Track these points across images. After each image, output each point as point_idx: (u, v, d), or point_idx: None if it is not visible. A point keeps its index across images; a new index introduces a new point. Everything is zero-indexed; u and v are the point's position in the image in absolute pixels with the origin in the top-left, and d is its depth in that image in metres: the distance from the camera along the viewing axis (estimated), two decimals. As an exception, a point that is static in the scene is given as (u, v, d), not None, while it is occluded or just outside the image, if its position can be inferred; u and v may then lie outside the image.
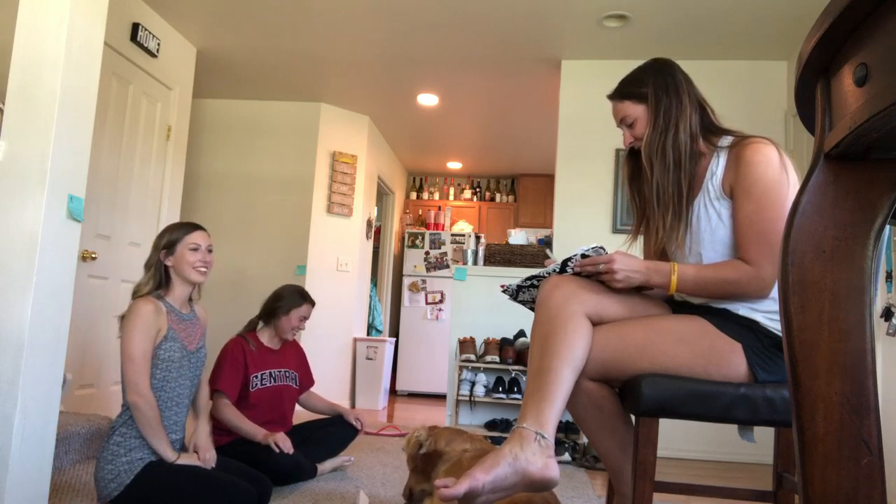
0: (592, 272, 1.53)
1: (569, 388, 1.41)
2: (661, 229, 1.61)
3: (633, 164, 1.76)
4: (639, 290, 1.63)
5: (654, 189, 1.60)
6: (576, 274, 1.56)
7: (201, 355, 2.46)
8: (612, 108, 1.71)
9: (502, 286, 1.73)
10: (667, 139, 1.59)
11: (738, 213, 1.50)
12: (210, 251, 2.44)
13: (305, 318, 3.10)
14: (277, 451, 2.70)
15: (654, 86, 1.64)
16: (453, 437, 2.32)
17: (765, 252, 1.44)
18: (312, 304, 3.14)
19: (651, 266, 1.52)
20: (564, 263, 1.56)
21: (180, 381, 2.34)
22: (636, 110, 1.65)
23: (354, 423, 3.18)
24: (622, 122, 1.69)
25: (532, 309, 1.72)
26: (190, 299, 2.47)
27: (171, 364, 2.30)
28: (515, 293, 1.70)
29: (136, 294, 2.36)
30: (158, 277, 2.37)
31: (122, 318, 2.29)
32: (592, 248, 1.55)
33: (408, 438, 2.42)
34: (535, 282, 1.64)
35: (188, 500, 2.19)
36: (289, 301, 3.03)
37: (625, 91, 1.68)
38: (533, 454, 1.33)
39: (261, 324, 3.11)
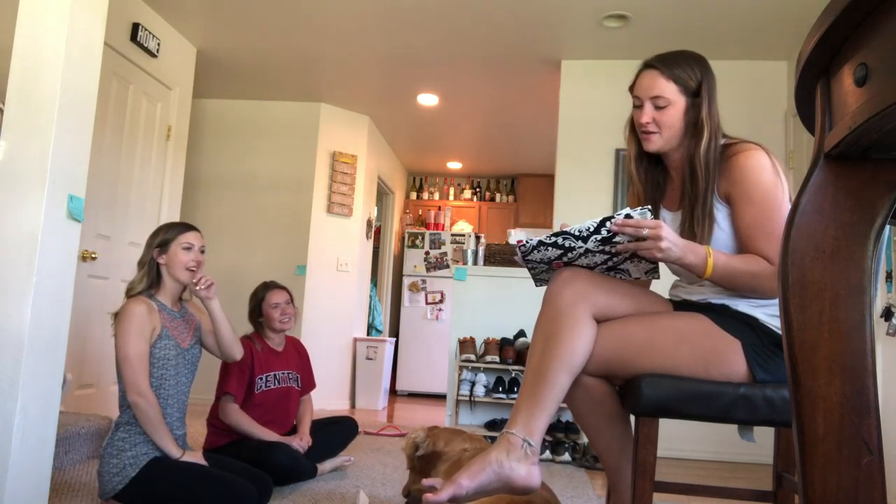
0: (634, 235, 1.39)
1: (563, 394, 1.43)
2: (699, 236, 1.52)
3: (639, 143, 1.65)
4: (640, 283, 1.63)
5: (699, 197, 1.52)
6: (613, 235, 1.41)
7: (195, 351, 2.47)
8: (643, 79, 1.57)
9: (519, 242, 1.53)
10: (715, 147, 1.53)
11: (743, 219, 1.49)
12: (202, 252, 2.46)
13: (281, 303, 3.05)
14: (302, 449, 2.85)
15: (708, 87, 1.54)
16: (452, 437, 2.32)
17: (778, 251, 1.42)
18: (282, 288, 3.12)
19: (688, 245, 1.44)
20: (603, 222, 1.39)
21: (178, 379, 2.35)
22: (677, 97, 1.54)
23: (296, 444, 2.87)
24: (652, 99, 1.54)
25: (535, 275, 1.64)
26: (181, 298, 2.49)
27: (166, 362, 2.31)
28: (531, 250, 1.52)
29: (130, 292, 2.38)
30: (151, 275, 2.39)
31: (115, 317, 2.30)
32: (639, 210, 1.39)
33: (406, 440, 2.41)
34: (561, 240, 1.45)
35: (190, 497, 2.20)
36: (258, 296, 3.08)
37: (676, 72, 1.53)
38: (518, 461, 1.35)
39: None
